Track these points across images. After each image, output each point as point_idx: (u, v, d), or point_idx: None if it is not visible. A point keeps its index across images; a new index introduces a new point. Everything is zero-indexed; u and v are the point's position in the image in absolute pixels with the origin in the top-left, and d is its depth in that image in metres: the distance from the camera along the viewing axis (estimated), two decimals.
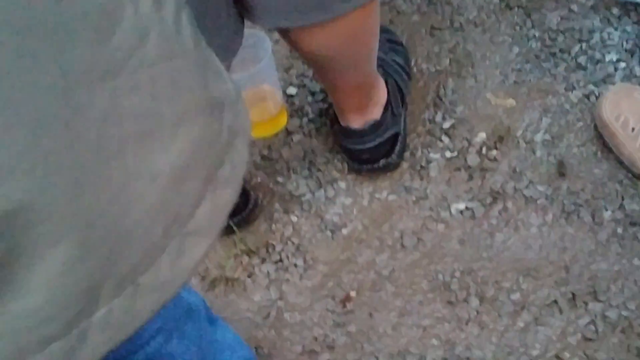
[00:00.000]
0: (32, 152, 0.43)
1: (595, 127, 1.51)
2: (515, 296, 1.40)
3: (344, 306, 1.44)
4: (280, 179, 1.57)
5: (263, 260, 1.51)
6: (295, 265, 1.49)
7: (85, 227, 0.48)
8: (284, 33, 1.24)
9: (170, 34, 0.52)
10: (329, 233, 1.51)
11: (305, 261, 1.49)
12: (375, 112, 1.48)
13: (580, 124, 1.53)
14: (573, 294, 1.38)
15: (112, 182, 0.48)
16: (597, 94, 1.55)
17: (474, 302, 1.40)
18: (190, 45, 0.54)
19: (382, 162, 1.51)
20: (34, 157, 0.44)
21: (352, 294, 1.45)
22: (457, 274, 1.43)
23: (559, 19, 1.64)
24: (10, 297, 0.46)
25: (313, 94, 1.64)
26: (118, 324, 0.53)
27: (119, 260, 0.51)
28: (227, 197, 0.59)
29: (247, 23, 1.20)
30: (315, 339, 1.42)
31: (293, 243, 1.51)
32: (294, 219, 1.53)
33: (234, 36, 1.17)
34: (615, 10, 1.62)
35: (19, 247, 0.45)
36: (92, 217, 0.48)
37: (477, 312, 1.40)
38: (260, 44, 1.44)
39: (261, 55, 1.43)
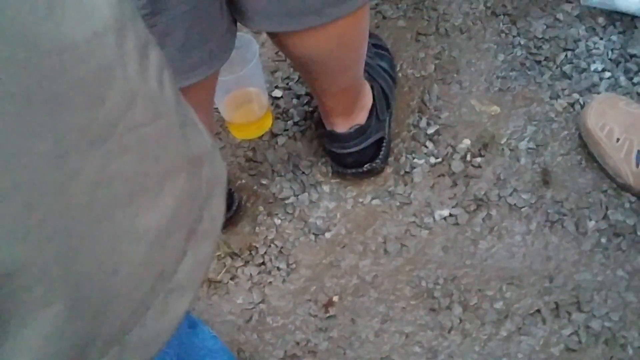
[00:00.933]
0: (26, 218, 0.41)
1: (580, 136, 1.45)
2: (499, 305, 1.34)
3: (327, 311, 1.37)
4: (264, 182, 1.50)
5: (246, 263, 1.43)
6: (278, 269, 1.42)
7: (74, 289, 0.46)
8: (274, 36, 1.17)
9: (154, 95, 0.49)
10: (312, 237, 1.44)
11: (288, 264, 1.42)
12: (361, 117, 1.41)
13: (565, 132, 1.47)
14: (556, 304, 1.33)
15: (101, 244, 0.47)
16: (582, 103, 1.49)
17: (457, 309, 1.34)
18: (172, 103, 0.52)
19: (366, 166, 1.45)
20: (28, 223, 0.41)
21: (335, 298, 1.38)
22: (441, 281, 1.37)
23: (545, 27, 1.58)
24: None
25: (298, 97, 1.57)
26: None
27: (106, 320, 0.49)
28: (207, 250, 0.58)
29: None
30: (297, 343, 1.35)
31: (276, 246, 1.44)
32: (278, 221, 1.46)
33: (227, 39, 1.12)
34: (600, 20, 1.56)
35: (9, 310, 0.43)
36: (81, 279, 0.46)
37: (460, 320, 1.33)
38: (247, 47, 1.38)
39: (248, 58, 1.37)
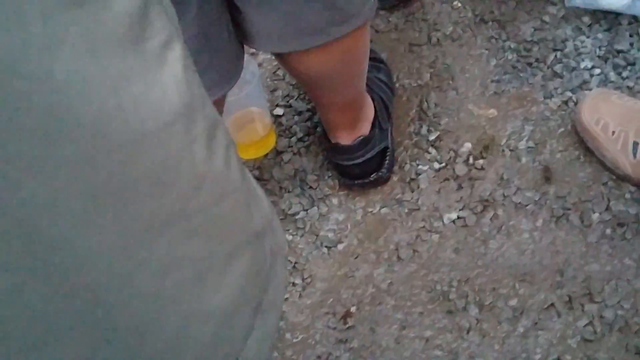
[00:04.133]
0: (90, 315, 0.39)
1: (577, 132, 1.45)
2: (513, 302, 1.33)
3: (345, 322, 1.36)
4: (273, 199, 1.48)
5: None
6: (294, 284, 1.40)
7: None
8: (279, 55, 1.17)
9: (221, 176, 0.47)
10: (325, 249, 1.43)
11: (303, 279, 1.40)
12: (364, 128, 1.40)
13: (562, 129, 1.47)
14: (569, 297, 1.32)
15: (169, 329, 0.45)
16: (575, 100, 1.49)
17: (474, 310, 1.33)
18: (238, 181, 0.49)
19: (372, 176, 1.44)
20: (92, 319, 0.40)
21: (353, 309, 1.37)
22: (455, 283, 1.36)
23: (533, 30, 1.58)
24: None
25: (300, 113, 1.56)
26: None
27: None
28: (273, 321, 0.56)
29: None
30: (319, 357, 1.34)
31: (290, 262, 1.42)
32: (289, 237, 1.45)
33: (235, 61, 1.11)
34: (585, 19, 1.57)
35: None
36: None
37: (477, 320, 1.32)
38: (246, 67, 1.36)
39: (248, 79, 1.36)
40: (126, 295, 0.41)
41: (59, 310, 0.38)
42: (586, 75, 1.51)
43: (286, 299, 1.39)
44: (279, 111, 1.56)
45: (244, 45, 1.13)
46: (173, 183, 0.42)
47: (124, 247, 0.39)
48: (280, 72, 1.60)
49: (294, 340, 1.35)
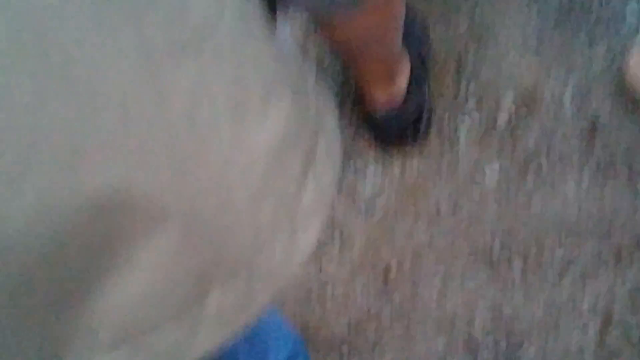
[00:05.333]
0: (123, 127, 0.38)
1: (623, 80, 1.42)
2: (559, 253, 1.31)
3: (386, 276, 1.35)
4: None
5: None
6: (333, 239, 1.40)
7: (189, 210, 0.43)
8: (322, 27, 1.15)
9: (242, 5, 0.46)
10: (363, 206, 1.42)
11: (342, 235, 1.40)
12: (401, 83, 1.39)
13: (607, 78, 1.44)
14: (617, 247, 1.30)
15: (211, 161, 0.43)
16: (620, 48, 1.46)
17: (518, 262, 1.31)
18: (260, 16, 0.49)
19: (410, 131, 1.42)
20: (126, 132, 0.38)
21: (393, 263, 1.36)
22: (498, 235, 1.34)
23: None
24: (114, 281, 0.41)
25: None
26: (231, 311, 0.48)
27: (228, 244, 0.46)
28: (329, 176, 0.54)
29: None
30: (360, 309, 1.34)
31: (328, 219, 1.42)
32: None
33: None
34: None
35: (118, 230, 0.40)
36: (195, 199, 0.43)
37: (522, 271, 1.31)
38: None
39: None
40: (161, 115, 0.40)
41: (89, 125, 0.37)
42: (632, 20, 1.48)
43: (325, 254, 1.39)
44: None
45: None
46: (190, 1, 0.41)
47: (149, 58, 0.39)
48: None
49: (336, 294, 1.35)
